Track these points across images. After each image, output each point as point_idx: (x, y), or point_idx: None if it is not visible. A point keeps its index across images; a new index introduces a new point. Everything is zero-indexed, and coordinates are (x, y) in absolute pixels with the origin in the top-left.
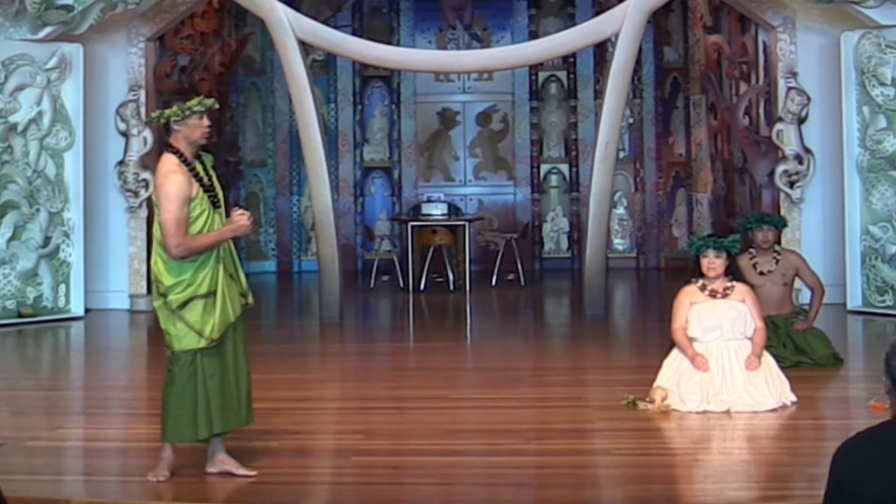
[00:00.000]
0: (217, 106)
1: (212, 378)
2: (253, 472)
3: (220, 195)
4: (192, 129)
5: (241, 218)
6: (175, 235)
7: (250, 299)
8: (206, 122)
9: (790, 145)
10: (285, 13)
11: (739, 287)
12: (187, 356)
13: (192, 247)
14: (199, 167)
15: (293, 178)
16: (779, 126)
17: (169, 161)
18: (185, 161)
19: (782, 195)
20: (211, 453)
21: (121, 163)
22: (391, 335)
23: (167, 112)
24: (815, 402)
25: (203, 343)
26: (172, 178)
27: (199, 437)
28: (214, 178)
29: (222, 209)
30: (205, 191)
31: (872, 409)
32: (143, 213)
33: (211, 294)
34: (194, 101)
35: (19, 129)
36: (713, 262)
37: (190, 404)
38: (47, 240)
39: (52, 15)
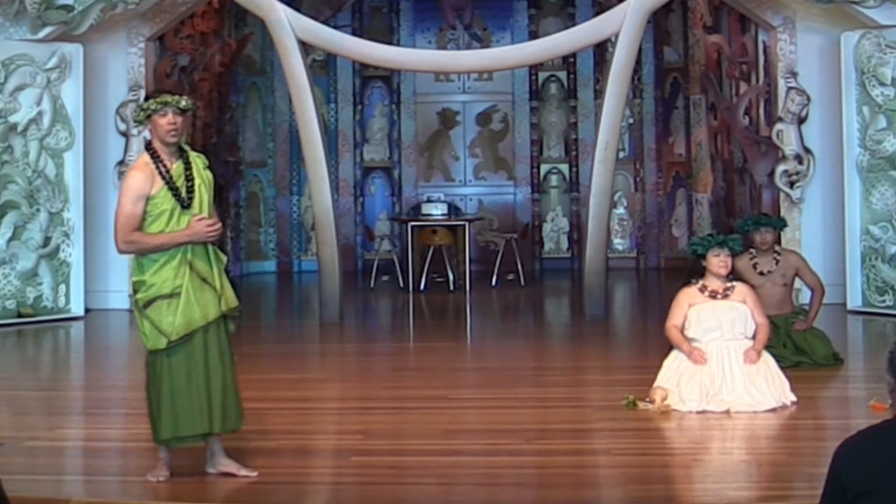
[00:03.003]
0: (189, 106)
1: (177, 380)
2: (254, 473)
3: (203, 197)
4: (156, 127)
5: (198, 224)
6: (122, 230)
7: (223, 305)
8: (170, 119)
9: (790, 145)
10: (285, 13)
11: (740, 287)
12: (154, 356)
13: (138, 244)
14: (177, 167)
15: (293, 178)
16: (779, 126)
17: (139, 159)
18: (157, 159)
19: (782, 195)
20: (210, 454)
21: (121, 163)
22: (391, 335)
23: (140, 107)
24: (815, 402)
25: (164, 343)
26: (131, 175)
27: (161, 437)
28: (202, 180)
29: (197, 210)
30: (171, 190)
31: (872, 409)
32: None
33: (175, 295)
34: (158, 101)
35: (19, 129)
36: (724, 261)
37: (156, 404)
38: (47, 240)
39: (52, 15)
